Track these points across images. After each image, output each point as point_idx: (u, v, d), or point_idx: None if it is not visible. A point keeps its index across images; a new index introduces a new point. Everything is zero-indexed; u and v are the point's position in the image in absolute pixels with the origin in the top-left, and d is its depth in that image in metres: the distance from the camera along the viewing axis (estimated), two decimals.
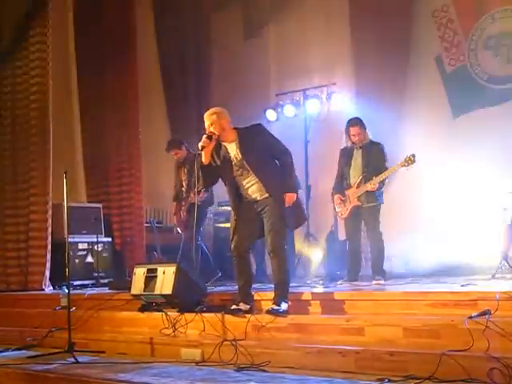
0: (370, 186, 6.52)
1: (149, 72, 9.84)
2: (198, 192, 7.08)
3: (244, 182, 5.29)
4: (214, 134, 5.22)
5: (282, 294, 5.20)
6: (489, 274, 6.35)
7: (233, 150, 5.29)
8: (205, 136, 5.22)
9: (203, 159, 5.22)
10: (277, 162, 5.38)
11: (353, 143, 6.72)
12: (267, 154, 5.29)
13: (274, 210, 5.19)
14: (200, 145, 5.19)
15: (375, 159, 6.63)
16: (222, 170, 5.31)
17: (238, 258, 5.34)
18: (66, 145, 9.10)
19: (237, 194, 5.34)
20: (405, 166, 6.42)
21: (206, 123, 5.28)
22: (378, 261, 6.57)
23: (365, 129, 6.67)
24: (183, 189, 7.40)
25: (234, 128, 5.34)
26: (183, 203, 7.36)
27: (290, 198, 5.24)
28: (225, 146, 5.32)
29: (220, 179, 5.51)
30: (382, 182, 6.57)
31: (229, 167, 5.29)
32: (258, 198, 5.27)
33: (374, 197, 6.56)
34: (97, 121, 9.33)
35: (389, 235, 6.79)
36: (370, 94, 8.64)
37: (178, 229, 7.53)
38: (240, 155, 5.25)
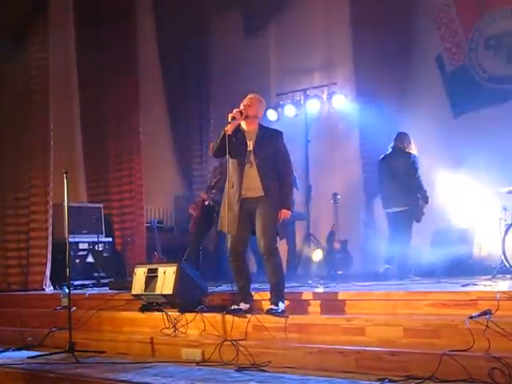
0: None
1: (149, 72, 9.85)
2: (212, 189, 7.09)
3: (245, 174, 5.29)
4: (247, 112, 5.29)
5: (278, 294, 5.25)
6: (489, 274, 6.35)
7: (249, 139, 5.35)
8: (237, 110, 5.29)
9: (227, 128, 5.23)
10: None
11: None
12: (274, 162, 5.34)
13: (267, 212, 5.23)
14: (232, 115, 5.25)
15: None
16: (236, 148, 5.31)
17: (235, 259, 5.36)
18: (67, 145, 9.09)
19: (238, 176, 5.31)
20: None
21: (246, 101, 5.36)
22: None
23: (401, 142, 7.17)
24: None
25: (258, 123, 5.45)
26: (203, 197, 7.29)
27: (285, 214, 5.32)
28: (244, 132, 5.38)
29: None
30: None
31: (241, 151, 5.32)
32: (250, 195, 5.26)
33: None
34: (97, 121, 9.33)
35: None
36: (370, 93, 8.65)
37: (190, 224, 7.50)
38: (251, 147, 5.31)
